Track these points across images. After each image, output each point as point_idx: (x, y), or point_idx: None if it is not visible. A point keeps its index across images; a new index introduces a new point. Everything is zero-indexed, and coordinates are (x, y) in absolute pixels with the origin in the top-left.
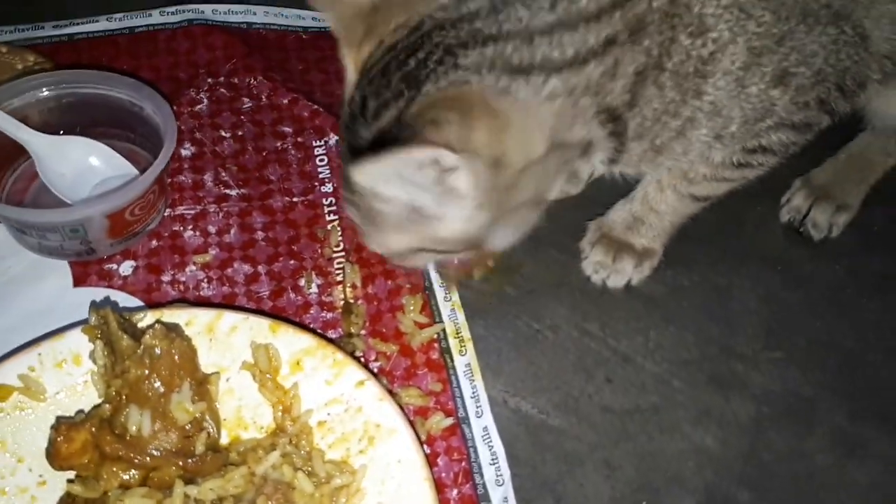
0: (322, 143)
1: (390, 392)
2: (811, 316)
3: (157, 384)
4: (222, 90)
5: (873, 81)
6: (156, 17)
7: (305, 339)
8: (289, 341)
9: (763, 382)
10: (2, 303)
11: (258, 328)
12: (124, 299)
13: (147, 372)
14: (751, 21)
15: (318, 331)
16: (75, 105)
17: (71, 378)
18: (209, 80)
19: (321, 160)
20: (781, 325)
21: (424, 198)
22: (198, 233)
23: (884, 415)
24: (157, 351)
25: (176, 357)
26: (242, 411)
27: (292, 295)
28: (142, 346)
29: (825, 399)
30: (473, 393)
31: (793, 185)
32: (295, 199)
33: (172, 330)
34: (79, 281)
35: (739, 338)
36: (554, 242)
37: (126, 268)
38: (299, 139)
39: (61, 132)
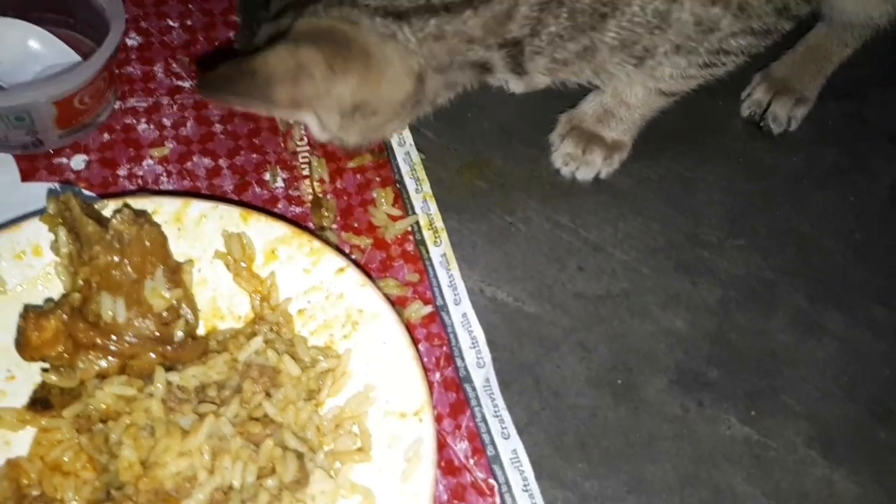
0: None
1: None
2: (771, 205)
3: (129, 270)
4: None
5: None
6: None
7: (279, 228)
8: (262, 230)
9: (728, 268)
10: None
11: (228, 217)
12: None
13: (118, 258)
14: None
15: None
16: None
17: (32, 270)
18: None
19: None
20: (744, 214)
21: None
22: (152, 126)
23: (838, 296)
24: (126, 236)
25: (147, 243)
26: (217, 301)
27: (258, 189)
28: (110, 231)
29: (786, 283)
30: (451, 282)
31: (753, 79)
32: None
33: (140, 216)
34: (26, 175)
35: (704, 227)
36: (523, 137)
37: (78, 162)
38: None
39: None
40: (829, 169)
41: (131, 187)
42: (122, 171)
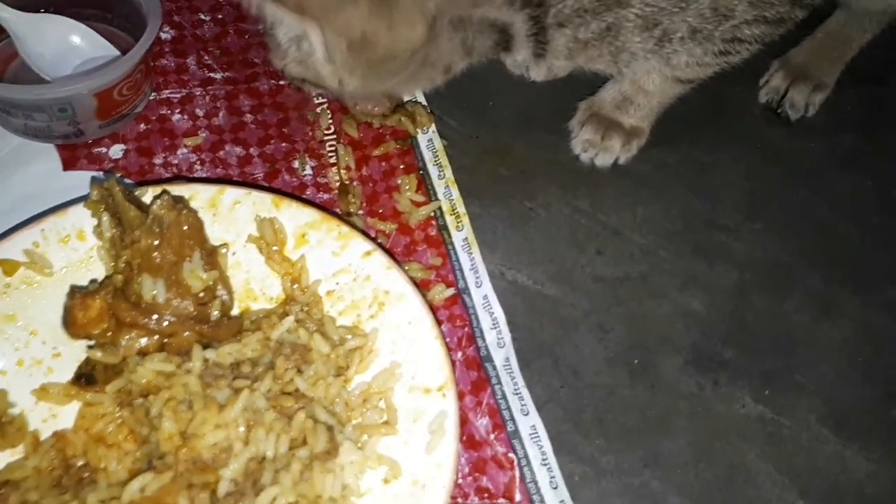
0: None
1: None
2: (789, 190)
3: (168, 253)
4: None
5: None
6: None
7: (309, 213)
8: (293, 215)
9: (745, 251)
10: None
11: (261, 203)
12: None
13: (158, 241)
14: None
15: None
16: None
17: (76, 254)
18: None
19: None
20: (761, 198)
21: (296, 45)
22: (185, 116)
23: (854, 279)
24: (166, 221)
25: (185, 227)
26: (251, 283)
27: (287, 177)
28: (150, 216)
29: (802, 265)
30: (472, 265)
31: (771, 66)
32: (282, 83)
33: (179, 201)
34: (68, 164)
35: (722, 211)
36: (543, 124)
37: (116, 151)
38: None
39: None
40: (846, 154)
41: (167, 175)
42: (157, 160)
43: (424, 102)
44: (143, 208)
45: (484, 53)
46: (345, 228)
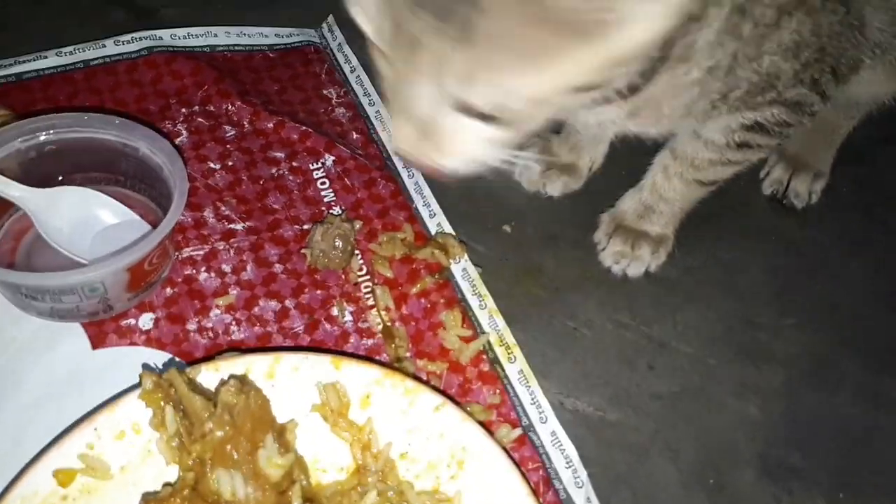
0: (319, 164)
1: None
2: (810, 280)
3: (244, 442)
4: (200, 120)
5: (865, 66)
6: (111, 48)
7: (372, 371)
8: (354, 375)
9: (785, 348)
10: (17, 378)
11: (320, 366)
12: (152, 355)
13: (232, 432)
14: None
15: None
16: (57, 152)
17: (133, 450)
18: (183, 110)
19: (322, 183)
20: (787, 291)
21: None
22: (213, 274)
23: (890, 362)
24: (237, 408)
25: (254, 410)
26: (318, 455)
27: (328, 326)
28: (220, 405)
29: (840, 356)
30: (533, 399)
31: (769, 159)
32: (305, 227)
33: (244, 382)
34: (96, 342)
35: (755, 308)
36: (567, 238)
37: (146, 321)
38: (294, 163)
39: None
40: (855, 237)
41: (203, 341)
42: (191, 325)
43: (452, 232)
44: (205, 394)
45: None
46: (410, 383)
